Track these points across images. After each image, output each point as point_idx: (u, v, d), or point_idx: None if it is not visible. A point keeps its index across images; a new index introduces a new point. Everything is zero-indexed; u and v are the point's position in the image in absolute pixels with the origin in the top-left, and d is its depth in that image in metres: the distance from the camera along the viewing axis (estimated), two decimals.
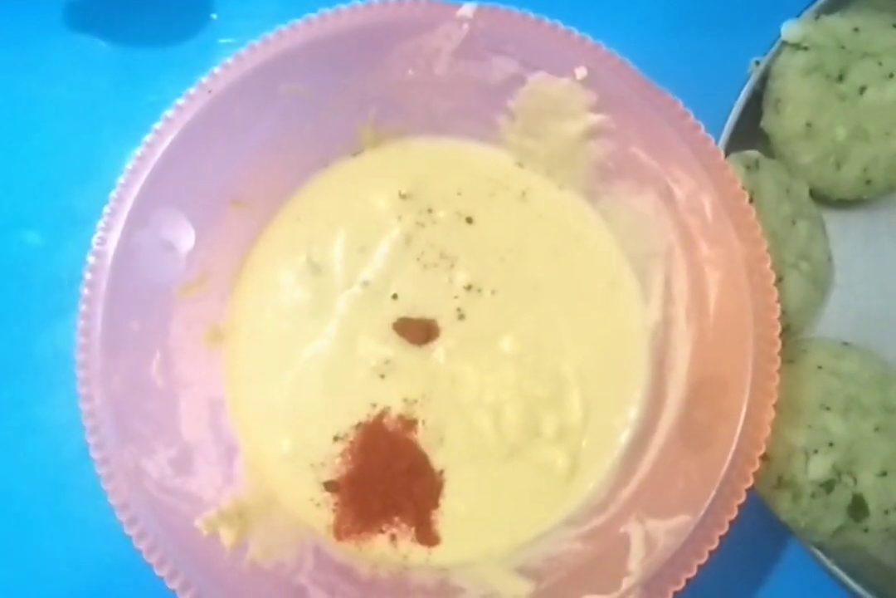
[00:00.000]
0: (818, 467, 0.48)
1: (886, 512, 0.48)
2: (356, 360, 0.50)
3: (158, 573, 0.41)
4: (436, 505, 0.48)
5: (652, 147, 0.46)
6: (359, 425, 0.49)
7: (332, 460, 0.49)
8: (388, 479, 0.48)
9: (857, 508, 0.48)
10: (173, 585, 0.41)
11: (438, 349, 0.50)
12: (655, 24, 0.59)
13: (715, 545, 0.40)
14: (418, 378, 0.50)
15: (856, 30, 0.53)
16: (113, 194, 0.45)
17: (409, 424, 0.49)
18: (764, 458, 0.48)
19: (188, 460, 0.46)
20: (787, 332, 0.51)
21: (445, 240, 0.52)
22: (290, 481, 0.49)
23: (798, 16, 0.54)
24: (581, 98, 0.46)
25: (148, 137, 0.46)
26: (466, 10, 0.46)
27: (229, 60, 0.46)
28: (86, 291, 0.44)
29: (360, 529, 0.48)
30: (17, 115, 0.60)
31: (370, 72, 0.48)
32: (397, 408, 0.49)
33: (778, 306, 0.43)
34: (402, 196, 0.52)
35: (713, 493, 0.41)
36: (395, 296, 0.51)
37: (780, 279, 0.51)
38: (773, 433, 0.46)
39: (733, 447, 0.41)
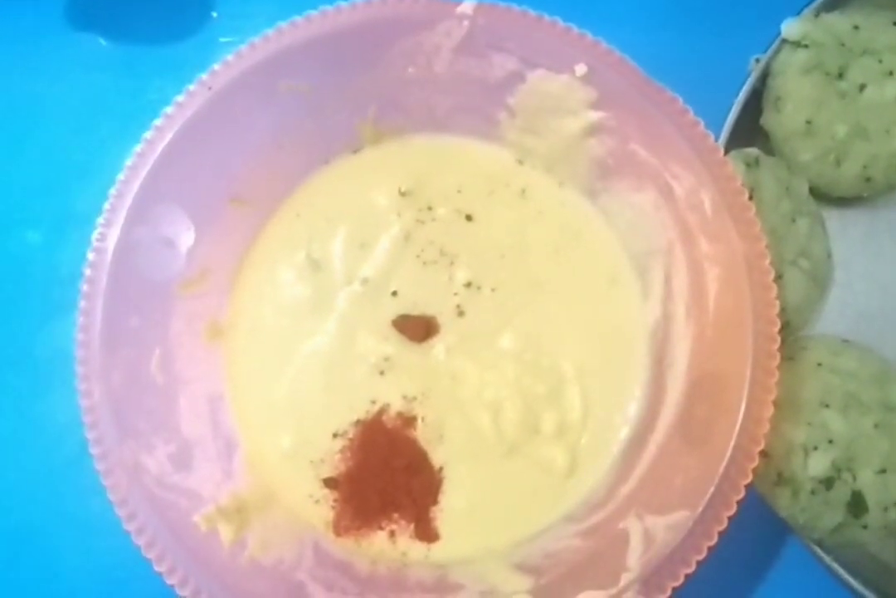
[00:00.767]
0: (817, 464, 0.47)
1: (886, 509, 0.48)
2: (356, 357, 0.50)
3: (157, 568, 0.41)
4: (435, 502, 0.48)
5: (651, 144, 0.46)
6: (358, 422, 0.49)
7: (331, 456, 0.49)
8: (387, 476, 0.48)
9: (857, 505, 0.48)
10: (172, 580, 0.41)
11: (438, 346, 0.50)
12: (656, 22, 0.59)
13: (714, 541, 0.40)
14: (418, 375, 0.50)
15: (856, 28, 0.53)
16: (113, 191, 0.45)
17: (409, 421, 0.49)
18: (763, 455, 0.48)
19: (187, 456, 0.46)
20: (786, 329, 0.51)
21: (445, 237, 0.52)
22: (289, 478, 0.49)
23: (798, 14, 0.54)
24: (581, 95, 0.47)
25: (148, 134, 0.46)
26: (466, 7, 0.46)
27: (230, 57, 0.46)
28: (85, 287, 0.44)
29: (360, 525, 0.48)
30: (18, 113, 0.60)
31: (370, 69, 0.48)
32: (397, 405, 0.49)
33: (777, 302, 0.43)
34: (402, 193, 0.52)
35: (712, 489, 0.41)
36: (394, 293, 0.51)
37: (779, 277, 0.51)
38: (772, 430, 0.46)
39: (732, 443, 0.41)
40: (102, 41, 0.61)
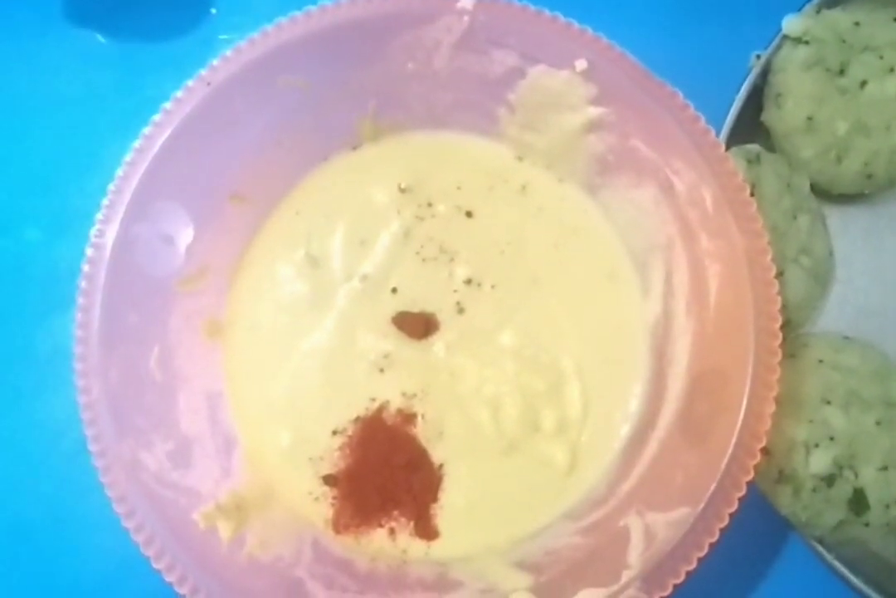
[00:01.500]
0: (819, 462, 0.47)
1: (887, 506, 0.48)
2: (355, 354, 0.50)
3: (155, 565, 0.41)
4: (435, 499, 0.48)
5: (652, 139, 0.46)
6: (358, 419, 0.49)
7: (330, 453, 0.49)
8: (386, 473, 0.48)
9: (858, 502, 0.47)
10: (170, 577, 0.41)
11: (438, 343, 0.50)
12: (657, 19, 0.59)
13: (715, 538, 0.40)
14: (417, 372, 0.50)
15: (857, 24, 0.53)
16: (111, 187, 0.45)
17: (409, 418, 0.49)
18: (765, 452, 0.48)
19: (186, 453, 0.46)
20: (788, 326, 0.51)
21: (445, 234, 0.52)
22: (288, 475, 0.49)
23: (799, 10, 0.54)
24: (581, 91, 0.46)
25: (146, 130, 0.45)
26: (466, 2, 0.46)
27: (228, 53, 0.46)
28: (83, 283, 0.44)
29: (359, 523, 0.48)
30: (16, 109, 0.60)
31: (370, 65, 0.48)
32: (396, 402, 0.49)
33: (779, 298, 0.43)
34: (402, 190, 0.52)
35: (713, 485, 0.41)
36: (394, 290, 0.51)
37: (780, 274, 0.50)
38: (774, 427, 0.46)
39: (734, 440, 0.41)
40: (101, 38, 0.61)
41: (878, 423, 0.48)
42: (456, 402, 0.49)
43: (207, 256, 0.49)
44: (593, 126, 0.48)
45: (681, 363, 0.47)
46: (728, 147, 0.52)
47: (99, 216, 0.45)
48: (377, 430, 0.49)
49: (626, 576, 0.41)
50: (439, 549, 0.48)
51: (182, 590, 0.41)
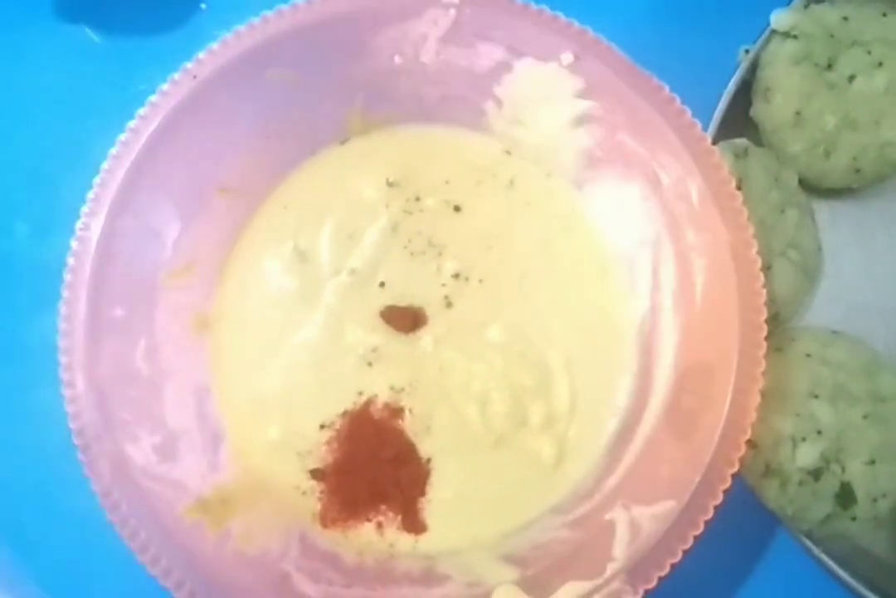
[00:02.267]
0: (806, 455, 0.47)
1: (875, 500, 0.48)
2: (343, 348, 0.50)
3: (140, 558, 0.41)
4: (422, 493, 0.48)
5: (638, 133, 0.46)
6: (345, 413, 0.49)
7: (318, 448, 0.49)
8: (374, 467, 0.48)
9: (845, 496, 0.47)
10: (155, 570, 0.41)
11: (426, 338, 0.50)
12: (644, 14, 0.59)
13: (700, 531, 0.40)
14: (405, 366, 0.50)
15: (845, 19, 0.53)
16: (97, 180, 0.45)
17: (396, 412, 0.49)
18: (752, 446, 0.48)
19: (173, 447, 0.46)
20: (775, 320, 0.51)
21: (433, 228, 0.52)
22: (276, 470, 0.49)
23: (788, 4, 0.54)
24: (567, 84, 0.46)
25: (132, 123, 0.45)
26: None
27: (215, 46, 0.46)
28: (68, 276, 0.44)
29: (347, 517, 0.48)
30: (4, 104, 0.60)
31: (357, 58, 0.48)
32: (384, 396, 0.49)
33: (764, 291, 0.43)
34: (390, 184, 0.52)
35: (698, 478, 0.41)
36: (382, 284, 0.51)
37: (768, 268, 0.50)
38: (761, 421, 0.46)
39: (719, 433, 0.41)
40: (90, 32, 0.61)
41: (865, 417, 0.48)
42: (444, 396, 0.49)
43: (194, 250, 0.49)
44: (580, 120, 0.48)
45: (667, 357, 0.47)
46: (717, 142, 0.52)
47: (84, 209, 0.45)
48: (365, 424, 0.49)
49: (611, 569, 0.41)
50: (427, 543, 0.48)
51: (167, 583, 0.41)
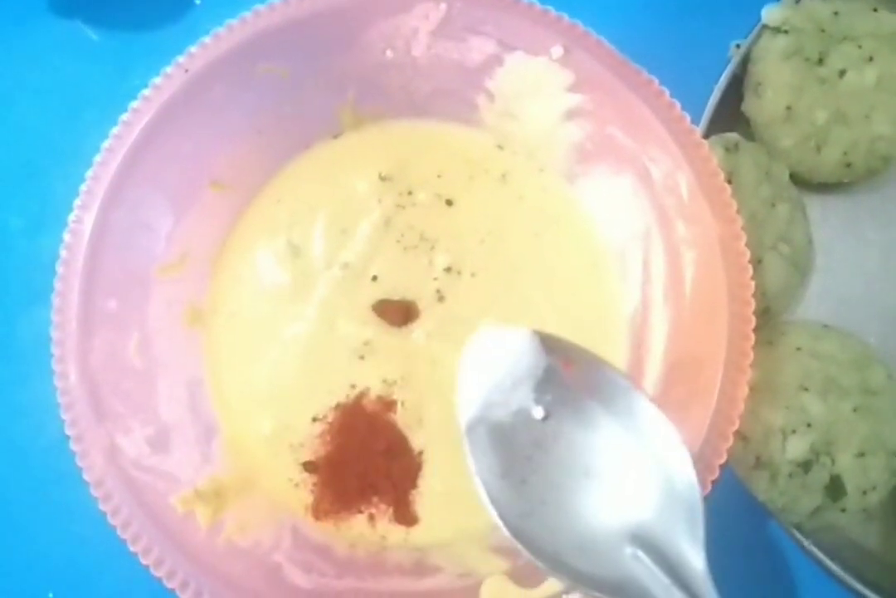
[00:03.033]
0: (796, 448, 0.48)
1: (864, 493, 0.48)
2: (336, 341, 0.50)
3: (132, 548, 0.41)
4: (414, 486, 0.48)
5: (629, 127, 0.46)
6: (338, 406, 0.49)
7: (311, 440, 0.49)
8: (366, 460, 0.48)
9: (835, 488, 0.48)
10: (147, 560, 0.41)
11: (418, 331, 0.50)
12: (635, 8, 0.59)
13: None
14: (397, 360, 0.50)
15: (836, 13, 0.54)
16: (90, 173, 0.45)
17: (389, 405, 0.49)
18: (742, 438, 0.48)
19: (165, 439, 0.46)
20: (766, 314, 0.51)
21: (425, 222, 0.52)
22: (268, 462, 0.49)
23: None
24: (558, 78, 0.47)
25: (125, 116, 0.46)
26: None
27: (207, 39, 0.46)
28: (61, 268, 0.44)
29: (339, 509, 0.48)
30: None
31: (348, 52, 0.48)
32: (376, 389, 0.49)
33: (752, 283, 0.43)
34: (383, 178, 0.52)
35: None
36: (374, 278, 0.51)
37: (759, 262, 0.51)
38: (751, 414, 0.47)
39: (707, 424, 0.41)
40: (85, 27, 0.61)
41: (855, 410, 0.48)
42: (436, 389, 0.49)
43: (188, 244, 0.49)
44: (571, 114, 0.48)
45: (658, 350, 0.47)
46: (708, 136, 0.52)
47: (77, 202, 0.45)
48: (357, 417, 0.49)
49: None
50: (418, 535, 0.48)
51: (159, 573, 0.41)
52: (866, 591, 0.48)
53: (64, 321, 0.44)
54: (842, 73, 0.53)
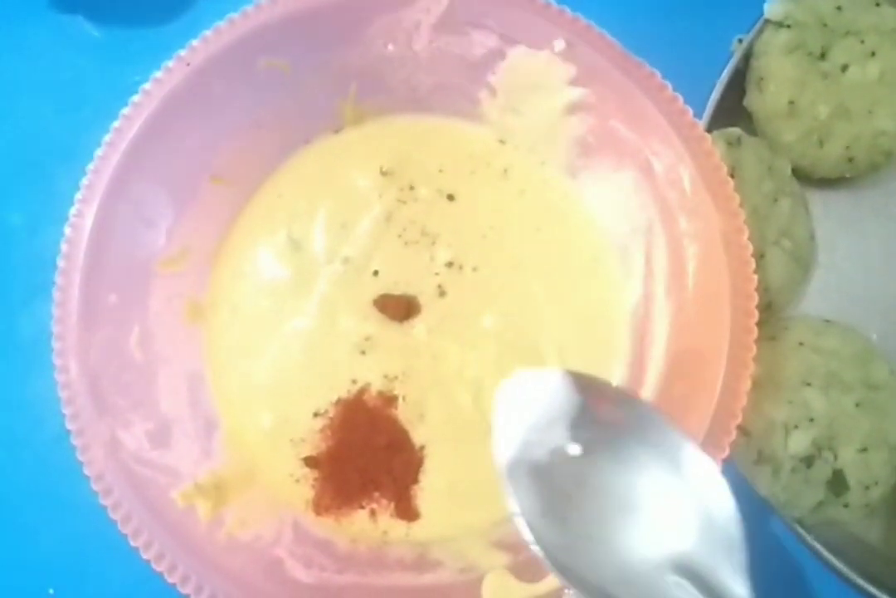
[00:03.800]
0: (798, 442, 0.48)
1: (867, 488, 0.48)
2: (337, 336, 0.50)
3: (133, 542, 0.41)
4: (415, 481, 0.48)
5: (631, 120, 0.46)
6: (339, 401, 0.49)
7: (312, 435, 0.49)
8: (367, 455, 0.48)
9: (837, 483, 0.48)
10: (148, 555, 0.41)
11: (419, 326, 0.50)
12: (638, 2, 0.59)
13: None
14: (399, 355, 0.50)
15: (838, 8, 0.53)
16: (90, 167, 0.45)
17: (390, 400, 0.49)
18: (745, 433, 0.48)
19: (166, 433, 0.46)
20: (769, 309, 0.51)
21: (427, 217, 0.52)
22: (269, 457, 0.49)
23: None
24: (560, 72, 0.46)
25: (126, 110, 0.45)
26: None
27: (208, 33, 0.46)
28: (62, 263, 0.44)
29: (340, 504, 0.48)
30: (0, 94, 0.60)
31: (350, 46, 0.48)
32: (378, 384, 0.49)
33: (755, 277, 0.43)
34: (384, 173, 0.52)
35: None
36: (375, 273, 0.51)
37: (762, 257, 0.51)
38: (753, 409, 0.46)
39: (710, 418, 0.41)
40: (86, 22, 0.61)
41: (857, 405, 0.48)
42: (437, 384, 0.49)
43: (188, 238, 0.49)
44: (573, 108, 0.48)
45: (660, 344, 0.47)
46: (710, 131, 0.52)
47: (78, 196, 0.45)
48: (358, 412, 0.49)
49: None
50: (419, 530, 0.48)
51: (160, 567, 0.41)
52: (868, 586, 0.48)
53: (65, 316, 0.43)
54: (844, 67, 0.53)
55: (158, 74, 0.46)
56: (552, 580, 0.41)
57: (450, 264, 0.51)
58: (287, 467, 0.48)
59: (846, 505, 0.48)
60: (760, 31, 0.54)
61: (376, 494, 0.48)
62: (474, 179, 0.52)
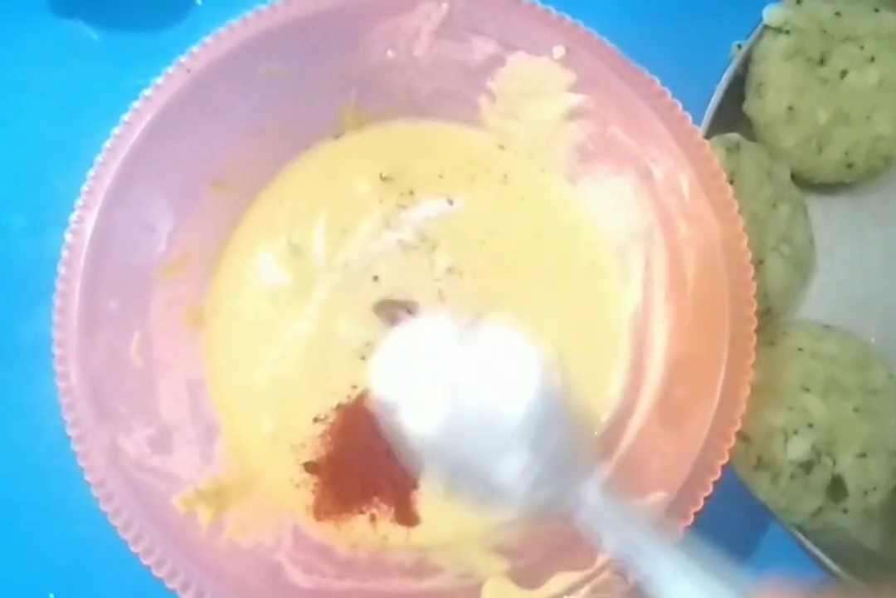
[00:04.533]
0: (797, 448, 0.48)
1: (866, 493, 0.48)
2: (337, 342, 0.50)
3: (134, 549, 0.41)
4: (415, 486, 0.48)
5: (630, 127, 0.46)
6: (339, 407, 0.49)
7: (312, 441, 0.49)
8: (368, 460, 0.48)
9: (836, 489, 0.48)
10: (149, 561, 0.41)
11: None
12: (637, 8, 0.59)
13: (689, 522, 0.40)
14: None
15: (837, 14, 0.53)
16: (91, 173, 0.45)
17: None
18: (744, 439, 0.48)
19: (167, 439, 0.46)
20: (768, 315, 0.51)
21: (427, 223, 0.52)
22: (269, 462, 0.49)
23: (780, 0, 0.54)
24: (560, 78, 0.47)
25: (126, 116, 0.46)
26: None
27: (208, 39, 0.46)
28: (62, 269, 0.44)
29: (340, 510, 0.48)
30: (0, 99, 0.60)
31: (350, 53, 0.48)
32: None
33: (754, 283, 0.43)
34: (384, 179, 0.52)
35: (689, 470, 0.41)
36: (375, 278, 0.51)
37: (761, 262, 0.51)
38: (752, 415, 0.46)
39: (709, 424, 0.41)
40: (86, 27, 0.61)
41: (856, 410, 0.48)
42: None
43: (189, 244, 0.49)
44: (573, 114, 0.48)
45: (659, 350, 0.47)
46: (709, 136, 0.52)
47: (79, 202, 0.45)
48: (359, 417, 0.49)
49: (601, 560, 0.41)
50: (419, 535, 0.48)
51: (160, 573, 0.41)
52: None
53: (65, 322, 0.44)
54: (843, 73, 0.53)
55: (159, 81, 0.46)
56: (552, 586, 0.41)
57: (449, 270, 0.51)
58: (287, 472, 0.49)
59: (845, 511, 0.48)
60: (759, 37, 0.54)
61: (376, 499, 0.48)
62: (474, 185, 0.52)
